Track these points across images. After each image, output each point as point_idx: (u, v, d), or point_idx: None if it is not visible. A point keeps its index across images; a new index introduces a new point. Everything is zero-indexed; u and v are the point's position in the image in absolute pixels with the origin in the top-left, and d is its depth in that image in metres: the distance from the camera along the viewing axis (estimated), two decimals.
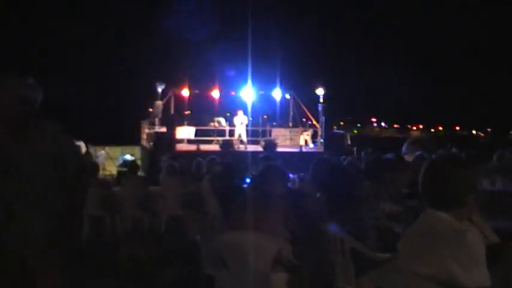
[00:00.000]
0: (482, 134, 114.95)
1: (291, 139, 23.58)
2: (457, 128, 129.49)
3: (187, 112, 24.87)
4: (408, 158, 8.50)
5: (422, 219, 2.68)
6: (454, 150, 14.00)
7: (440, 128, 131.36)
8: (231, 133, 22.80)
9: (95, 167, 10.23)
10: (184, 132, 22.76)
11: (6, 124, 3.63)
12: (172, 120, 21.31)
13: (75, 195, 3.85)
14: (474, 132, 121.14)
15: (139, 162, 18.27)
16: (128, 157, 20.69)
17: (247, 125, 22.30)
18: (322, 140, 22.44)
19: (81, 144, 15.37)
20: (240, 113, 21.94)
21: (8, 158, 3.56)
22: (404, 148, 10.51)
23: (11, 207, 3.49)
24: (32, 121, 3.61)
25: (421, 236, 2.62)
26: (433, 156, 2.87)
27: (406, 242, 2.75)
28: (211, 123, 24.25)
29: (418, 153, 8.10)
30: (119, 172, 17.64)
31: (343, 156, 12.27)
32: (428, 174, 2.69)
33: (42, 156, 3.51)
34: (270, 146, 19.64)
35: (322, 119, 22.73)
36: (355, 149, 21.71)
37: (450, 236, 2.47)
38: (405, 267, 2.66)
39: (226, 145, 19.74)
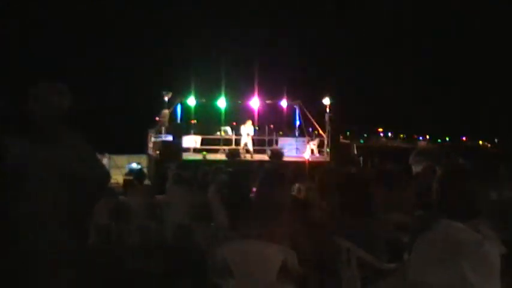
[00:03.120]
0: (489, 145, 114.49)
1: (297, 148, 23.57)
2: (464, 138, 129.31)
3: (193, 121, 24.90)
4: (415, 168, 8.48)
5: (437, 229, 2.67)
6: (460, 161, 13.96)
7: (447, 139, 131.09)
8: (237, 142, 22.82)
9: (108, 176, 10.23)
10: (191, 141, 22.80)
11: (35, 130, 3.66)
12: (178, 129, 21.34)
13: (87, 203, 3.87)
14: (481, 142, 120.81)
15: (145, 171, 18.29)
16: (134, 166, 20.70)
17: (253, 135, 22.30)
18: (328, 150, 22.42)
19: None
20: (249, 122, 21.97)
21: (29, 163, 3.59)
22: (411, 159, 10.48)
23: (26, 211, 3.52)
24: (54, 128, 3.63)
25: (435, 245, 2.61)
26: (447, 168, 2.86)
27: (417, 252, 2.75)
28: (218, 133, 24.28)
29: (425, 163, 8.07)
30: (125, 181, 17.64)
31: (350, 166, 12.26)
32: (445, 186, 2.71)
33: (58, 163, 3.53)
34: (276, 155, 19.65)
35: (329, 128, 22.73)
36: (361, 159, 21.69)
37: (470, 245, 2.48)
38: (414, 277, 2.66)
39: (233, 154, 19.76)
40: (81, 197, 3.62)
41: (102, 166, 3.96)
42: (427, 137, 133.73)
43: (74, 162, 3.55)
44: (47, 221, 3.53)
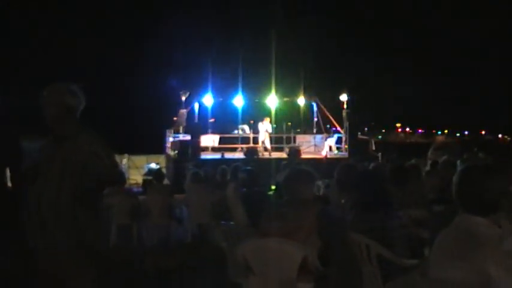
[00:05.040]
0: (508, 138, 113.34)
1: (315, 146, 23.53)
2: (483, 132, 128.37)
3: (211, 120, 24.94)
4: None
5: (457, 224, 2.67)
6: (480, 155, 13.88)
7: (466, 133, 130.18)
8: (255, 140, 22.83)
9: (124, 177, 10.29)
10: (209, 140, 22.85)
11: (48, 130, 3.72)
12: (196, 129, 21.42)
13: (101, 203, 3.92)
14: (500, 136, 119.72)
15: (164, 171, 18.39)
16: (153, 166, 20.78)
17: (270, 132, 22.30)
18: (346, 146, 22.35)
19: None
20: (267, 120, 21.96)
21: (43, 165, 3.64)
22: (430, 153, 10.45)
23: (42, 213, 3.57)
24: (70, 129, 3.68)
25: (457, 240, 2.61)
26: (467, 163, 2.86)
27: (438, 247, 2.74)
28: (235, 131, 24.32)
29: (444, 158, 8.04)
30: (144, 181, 17.75)
31: (368, 162, 12.23)
32: (465, 181, 2.70)
33: (71, 164, 3.57)
34: (294, 152, 19.62)
35: (346, 124, 22.66)
36: (379, 154, 21.61)
37: (491, 240, 2.47)
38: (435, 273, 2.65)
39: (251, 152, 19.78)
40: (92, 186, 3.65)
41: (114, 163, 3.97)
42: (446, 131, 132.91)
43: (84, 159, 3.58)
44: (59, 215, 3.57)
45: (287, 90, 26.26)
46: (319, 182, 8.47)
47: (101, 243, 3.87)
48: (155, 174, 11.31)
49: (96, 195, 3.78)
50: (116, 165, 3.96)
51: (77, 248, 3.59)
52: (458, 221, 2.67)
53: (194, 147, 19.98)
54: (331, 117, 24.41)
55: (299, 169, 4.95)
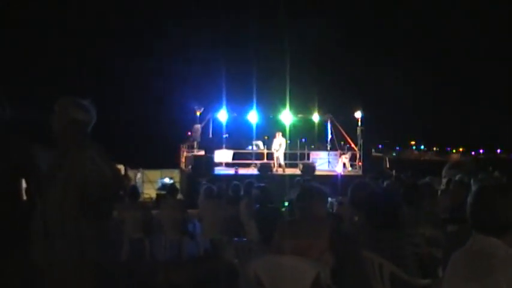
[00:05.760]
0: None
1: (329, 162, 23.47)
2: (498, 150, 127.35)
3: (225, 135, 24.94)
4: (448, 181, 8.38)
5: (471, 245, 2.65)
6: (495, 173, 13.79)
7: (481, 151, 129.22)
8: (269, 156, 22.78)
9: (135, 191, 10.30)
10: (223, 155, 22.83)
11: (56, 144, 3.76)
12: (210, 144, 21.44)
13: (107, 215, 3.94)
14: None
15: (178, 186, 18.43)
16: (167, 180, 20.83)
17: (285, 148, 22.24)
18: (360, 164, 22.29)
19: (121, 168, 15.57)
20: (279, 134, 21.90)
21: (49, 176, 3.68)
22: (444, 171, 10.37)
23: (46, 223, 3.60)
24: (76, 142, 3.71)
25: (470, 261, 2.58)
26: (482, 183, 2.83)
27: (451, 267, 2.72)
28: (249, 147, 24.30)
29: (457, 177, 7.98)
30: (158, 195, 17.79)
31: (382, 180, 12.19)
32: (479, 201, 2.68)
33: (75, 176, 3.60)
34: (308, 169, 19.62)
35: (361, 142, 22.61)
36: (394, 172, 21.51)
37: (505, 261, 2.45)
38: None
39: (264, 168, 19.76)
40: (95, 198, 3.67)
41: (117, 175, 4.00)
42: (461, 149, 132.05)
43: (87, 171, 3.60)
44: (63, 225, 3.60)
45: (301, 107, 26.26)
46: (333, 199, 8.46)
47: (104, 255, 3.88)
48: (169, 188, 11.33)
49: (101, 208, 3.80)
50: (120, 179, 3.99)
51: (78, 259, 3.61)
52: (473, 241, 2.65)
53: (208, 162, 20.00)
54: (345, 134, 24.37)
55: (311, 186, 4.93)
